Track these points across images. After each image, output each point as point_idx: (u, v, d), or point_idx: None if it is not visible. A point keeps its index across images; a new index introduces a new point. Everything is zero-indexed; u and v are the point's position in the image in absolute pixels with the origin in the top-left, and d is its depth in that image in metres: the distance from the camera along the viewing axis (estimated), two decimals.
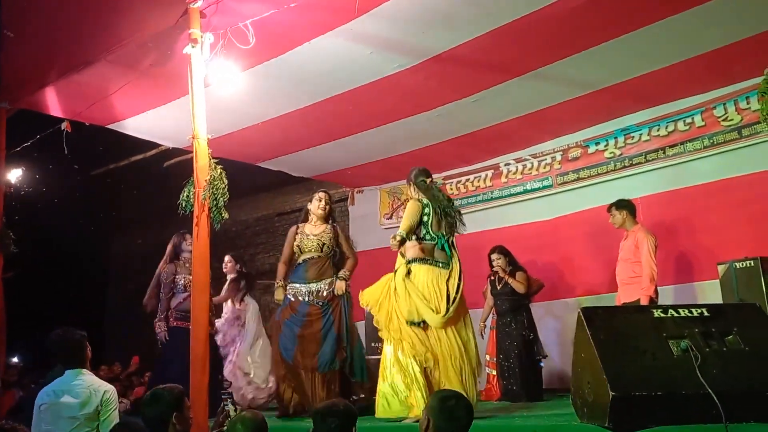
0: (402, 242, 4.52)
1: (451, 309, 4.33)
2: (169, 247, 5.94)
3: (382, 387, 4.42)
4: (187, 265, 5.69)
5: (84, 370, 3.72)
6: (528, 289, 6.50)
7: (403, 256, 4.61)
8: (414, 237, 4.58)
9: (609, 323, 3.28)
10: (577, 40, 5.46)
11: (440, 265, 4.55)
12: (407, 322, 4.39)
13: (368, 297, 4.65)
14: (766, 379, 2.93)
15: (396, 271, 4.60)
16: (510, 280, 6.42)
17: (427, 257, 4.56)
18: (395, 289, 4.51)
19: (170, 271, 5.81)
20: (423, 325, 4.40)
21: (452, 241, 4.70)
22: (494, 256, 6.63)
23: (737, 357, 3.10)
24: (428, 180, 4.85)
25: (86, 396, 3.59)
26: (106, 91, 5.87)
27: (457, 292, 4.40)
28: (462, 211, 8.37)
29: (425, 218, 4.62)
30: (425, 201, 4.69)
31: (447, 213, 4.69)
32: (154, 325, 5.75)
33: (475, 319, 7.86)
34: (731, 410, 2.84)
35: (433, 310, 4.34)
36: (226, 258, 6.95)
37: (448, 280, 4.47)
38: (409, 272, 4.52)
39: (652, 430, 2.90)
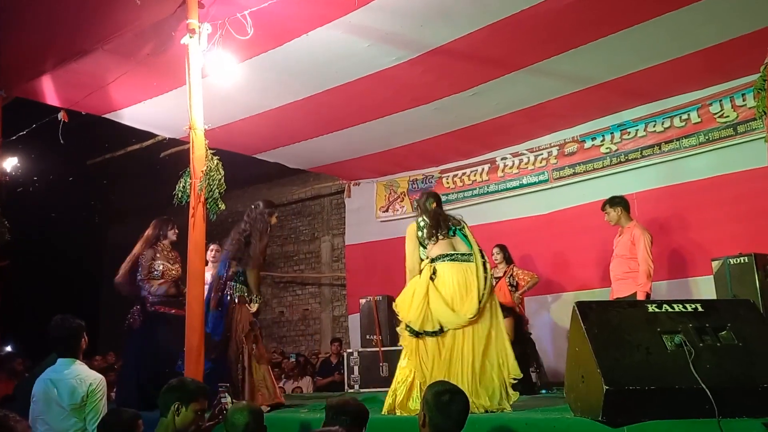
0: (413, 272, 4.48)
1: (477, 308, 4.16)
2: (150, 231, 5.72)
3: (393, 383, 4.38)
4: (165, 252, 5.64)
5: (75, 360, 3.71)
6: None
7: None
8: (427, 245, 4.51)
9: (603, 318, 3.29)
10: (574, 35, 5.46)
11: (463, 258, 4.42)
12: (413, 332, 4.26)
13: (398, 304, 4.48)
14: (759, 375, 2.95)
15: (421, 274, 4.48)
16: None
17: (448, 252, 4.44)
18: (414, 294, 4.38)
19: (149, 255, 5.61)
20: (438, 332, 4.24)
21: (464, 230, 4.61)
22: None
23: (730, 352, 3.11)
24: (433, 204, 4.73)
25: (72, 386, 3.58)
26: (103, 81, 5.86)
27: (485, 288, 4.24)
28: (458, 205, 8.57)
29: (421, 229, 4.56)
30: (418, 219, 4.66)
31: (439, 213, 4.63)
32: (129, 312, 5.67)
33: None
34: (724, 405, 2.86)
35: (455, 312, 4.20)
36: (212, 246, 6.83)
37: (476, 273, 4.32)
38: (434, 273, 4.39)
39: (645, 424, 2.93)
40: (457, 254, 4.45)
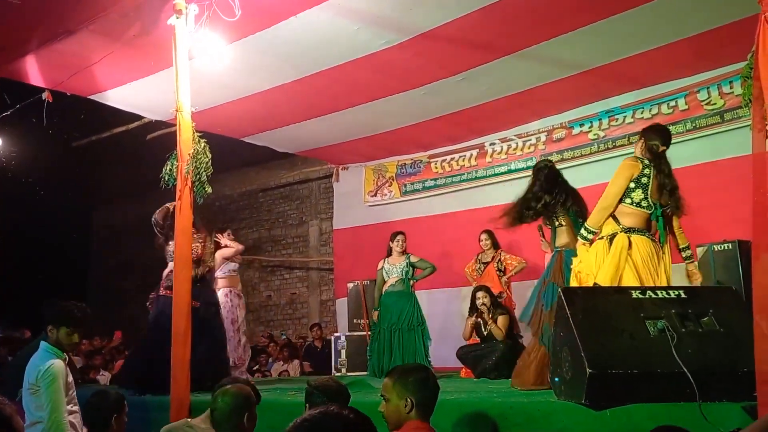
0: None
1: None
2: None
3: None
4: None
5: (45, 343, 3.61)
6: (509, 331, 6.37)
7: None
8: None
9: (588, 303, 3.32)
10: (564, 20, 5.45)
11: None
12: None
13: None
14: (739, 360, 3.00)
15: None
16: (492, 326, 6.26)
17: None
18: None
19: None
20: None
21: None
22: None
23: (712, 338, 3.16)
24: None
25: (30, 370, 3.51)
26: (88, 61, 5.78)
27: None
28: (446, 190, 8.59)
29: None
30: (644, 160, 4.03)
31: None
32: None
33: (456, 297, 8.01)
34: (705, 389, 2.91)
35: None
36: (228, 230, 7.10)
37: None
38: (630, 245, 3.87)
39: (628, 407, 2.97)
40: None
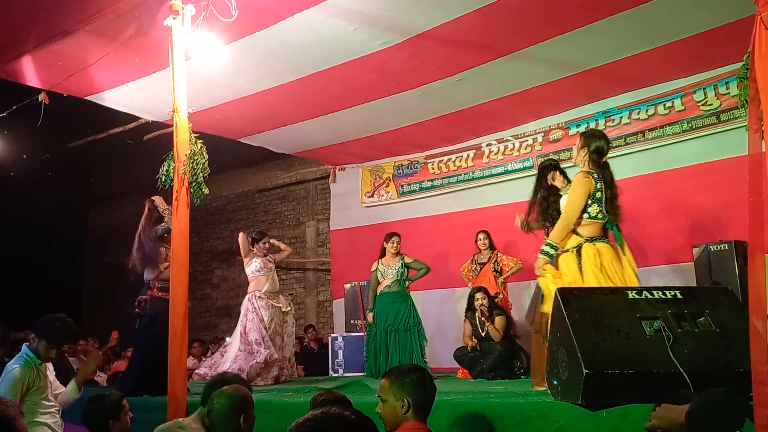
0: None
1: None
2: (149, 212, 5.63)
3: None
4: (168, 234, 5.58)
5: (26, 348, 3.80)
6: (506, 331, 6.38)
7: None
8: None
9: (584, 303, 3.33)
10: (561, 21, 5.46)
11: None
12: None
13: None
14: (735, 359, 3.01)
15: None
16: (489, 327, 6.29)
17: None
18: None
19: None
20: None
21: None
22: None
23: (708, 338, 3.17)
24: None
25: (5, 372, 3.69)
26: (84, 62, 5.77)
27: None
28: (443, 191, 8.59)
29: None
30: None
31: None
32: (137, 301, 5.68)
33: (451, 297, 8.00)
34: (701, 389, 2.91)
35: None
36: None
37: None
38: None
39: (624, 407, 2.97)
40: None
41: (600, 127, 7.27)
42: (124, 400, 3.35)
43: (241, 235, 6.75)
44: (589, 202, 4.08)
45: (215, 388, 3.03)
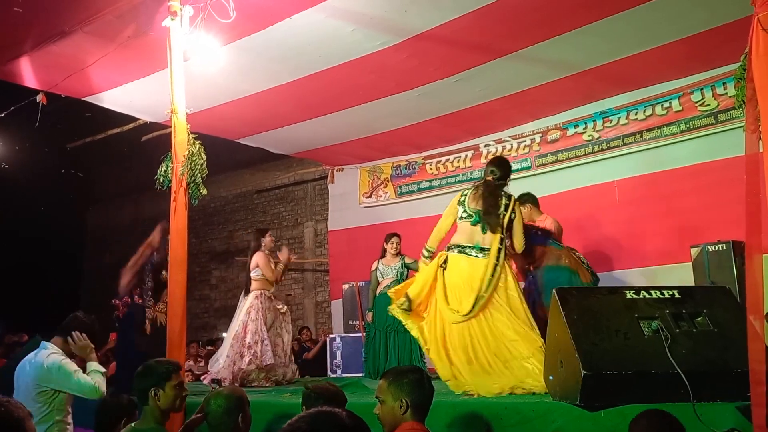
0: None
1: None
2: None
3: None
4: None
5: (47, 343, 3.66)
6: None
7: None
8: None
9: (582, 304, 3.33)
10: (559, 22, 5.47)
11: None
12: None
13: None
14: (733, 360, 3.01)
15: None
16: None
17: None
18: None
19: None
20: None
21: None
22: None
23: (706, 338, 3.17)
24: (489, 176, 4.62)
25: (35, 369, 3.55)
26: (83, 63, 5.76)
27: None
28: (441, 191, 8.59)
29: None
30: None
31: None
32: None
33: None
34: (699, 389, 2.92)
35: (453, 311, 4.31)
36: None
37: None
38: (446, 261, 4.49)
39: (622, 407, 2.97)
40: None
41: (598, 128, 7.29)
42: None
43: (261, 255, 6.39)
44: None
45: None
